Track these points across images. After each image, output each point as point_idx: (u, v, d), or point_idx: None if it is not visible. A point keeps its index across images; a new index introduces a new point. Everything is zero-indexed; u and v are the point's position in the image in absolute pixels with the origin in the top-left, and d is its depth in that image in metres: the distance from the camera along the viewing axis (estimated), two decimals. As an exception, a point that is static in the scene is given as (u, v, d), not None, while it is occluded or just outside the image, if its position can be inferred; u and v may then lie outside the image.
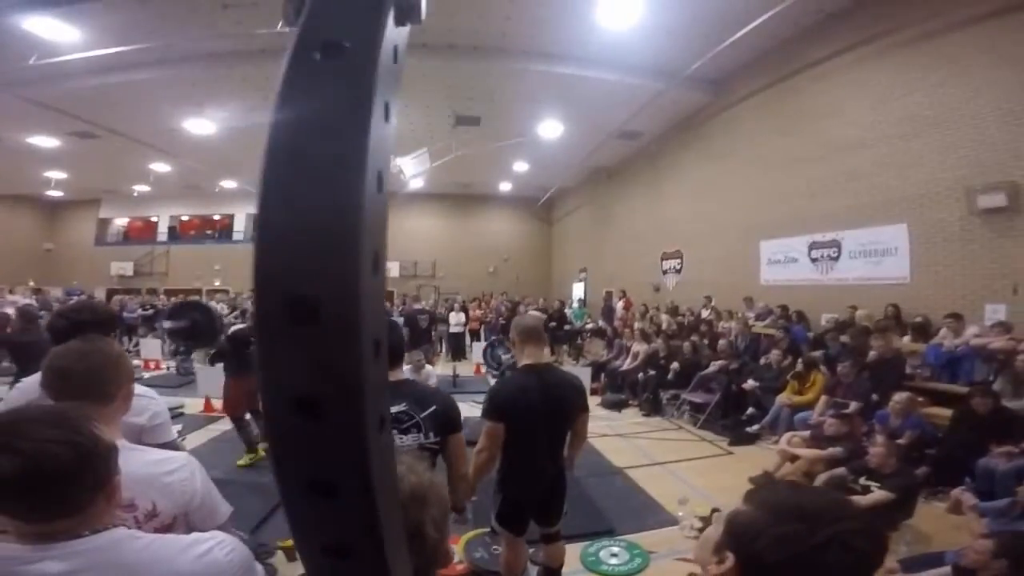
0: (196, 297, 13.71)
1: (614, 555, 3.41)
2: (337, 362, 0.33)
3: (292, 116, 0.34)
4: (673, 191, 12.65)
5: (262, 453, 5.12)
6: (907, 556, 2.82)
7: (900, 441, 4.02)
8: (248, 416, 5.14)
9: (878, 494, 3.25)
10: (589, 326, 13.08)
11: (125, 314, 12.64)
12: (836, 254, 7.91)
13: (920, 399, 4.77)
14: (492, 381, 8.50)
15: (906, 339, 6.03)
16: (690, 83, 9.38)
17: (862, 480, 3.59)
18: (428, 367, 6.79)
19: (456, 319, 12.99)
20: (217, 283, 18.96)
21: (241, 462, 5.02)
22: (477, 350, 11.57)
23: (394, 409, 1.82)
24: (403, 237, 20.45)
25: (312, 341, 0.33)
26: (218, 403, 6.93)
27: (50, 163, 14.66)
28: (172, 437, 1.77)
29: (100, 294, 16.98)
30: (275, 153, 0.34)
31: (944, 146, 6.25)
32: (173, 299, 14.98)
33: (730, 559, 0.76)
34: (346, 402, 0.34)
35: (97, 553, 0.81)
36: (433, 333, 12.93)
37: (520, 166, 15.47)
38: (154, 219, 20.56)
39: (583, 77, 9.06)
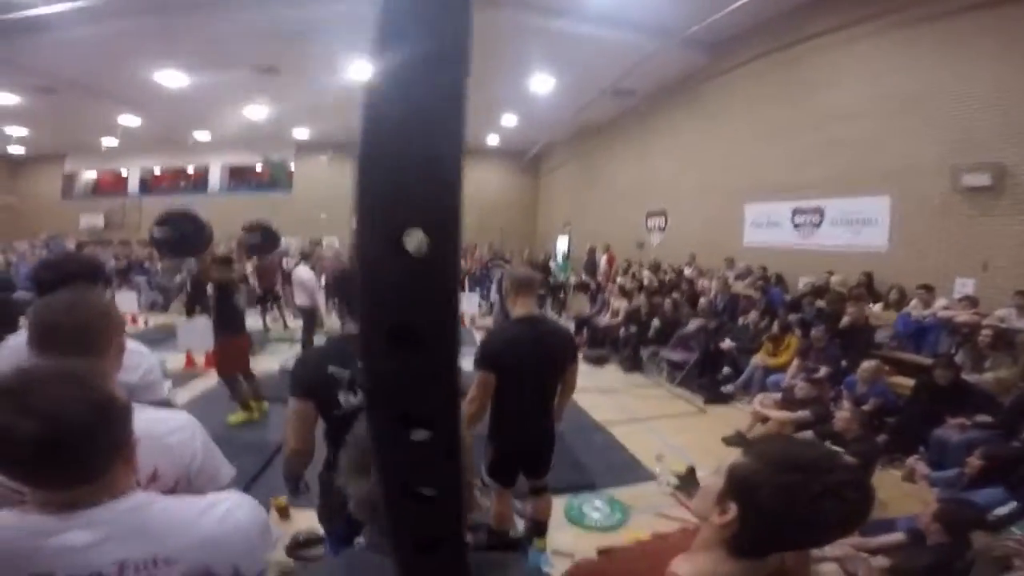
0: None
1: (596, 509, 3.61)
2: (438, 291, 0.34)
3: (398, 62, 0.32)
4: (661, 150, 12.53)
5: (255, 415, 5.11)
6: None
7: (864, 408, 4.25)
8: (240, 377, 5.05)
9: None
10: (573, 280, 13.18)
11: (99, 266, 12.32)
12: (818, 220, 8.05)
13: (886, 368, 5.00)
14: (476, 336, 8.60)
15: (877, 307, 6.27)
16: (687, 44, 9.10)
17: (827, 444, 3.83)
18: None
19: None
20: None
21: (233, 419, 4.97)
22: (463, 300, 11.61)
23: None
24: (386, 188, 20.09)
25: (416, 270, 0.33)
26: (199, 358, 6.83)
27: (10, 119, 13.84)
28: (165, 394, 1.70)
29: (70, 246, 16.44)
30: (379, 95, 0.32)
31: (933, 123, 6.31)
32: (148, 250, 14.63)
33: (733, 509, 0.81)
34: (443, 331, 0.35)
35: (122, 520, 0.78)
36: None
37: (509, 120, 15.06)
38: (124, 173, 19.71)
39: (578, 33, 8.70)
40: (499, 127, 16.25)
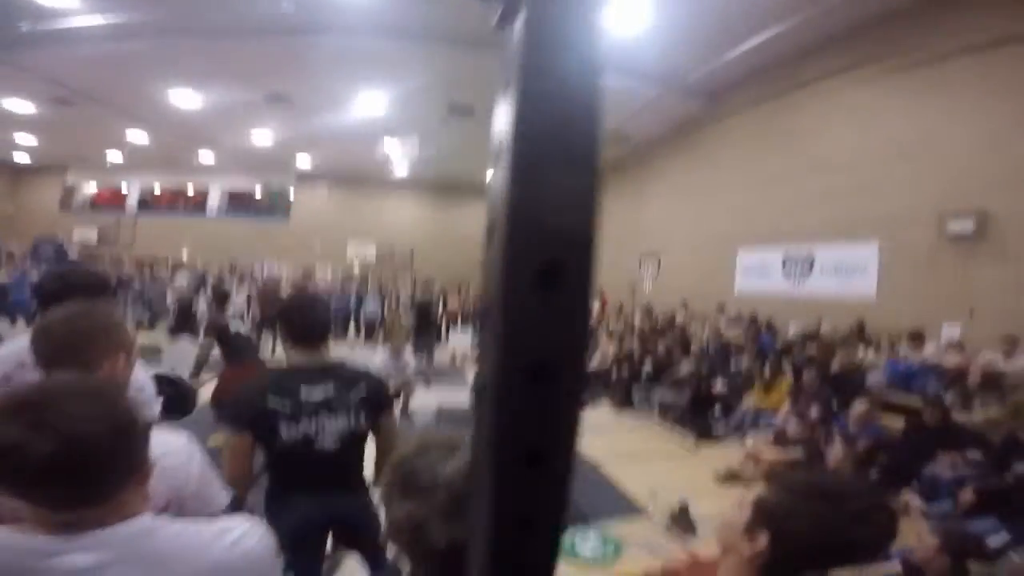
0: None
1: (589, 543, 3.53)
2: (574, 325, 0.37)
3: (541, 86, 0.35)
4: (656, 195, 12.89)
5: None
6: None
7: (857, 447, 4.24)
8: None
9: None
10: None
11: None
12: (809, 268, 8.24)
13: (877, 409, 5.02)
14: (468, 376, 8.57)
15: (869, 353, 6.35)
16: (686, 92, 9.56)
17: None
18: (405, 354, 6.73)
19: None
20: (185, 257, 18.50)
21: (214, 441, 4.89)
22: (453, 339, 11.60)
23: (322, 393, 1.77)
24: (381, 222, 20.38)
25: (557, 305, 0.35)
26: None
27: (22, 126, 14.02)
28: (156, 413, 1.67)
29: (66, 248, 16.44)
30: (527, 125, 0.35)
31: (921, 171, 6.55)
32: (138, 268, 14.64)
33: (764, 538, 0.84)
34: (575, 366, 0.37)
35: (128, 544, 0.74)
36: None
37: (508, 161, 15.50)
38: (124, 190, 19.86)
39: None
40: (498, 168, 16.67)
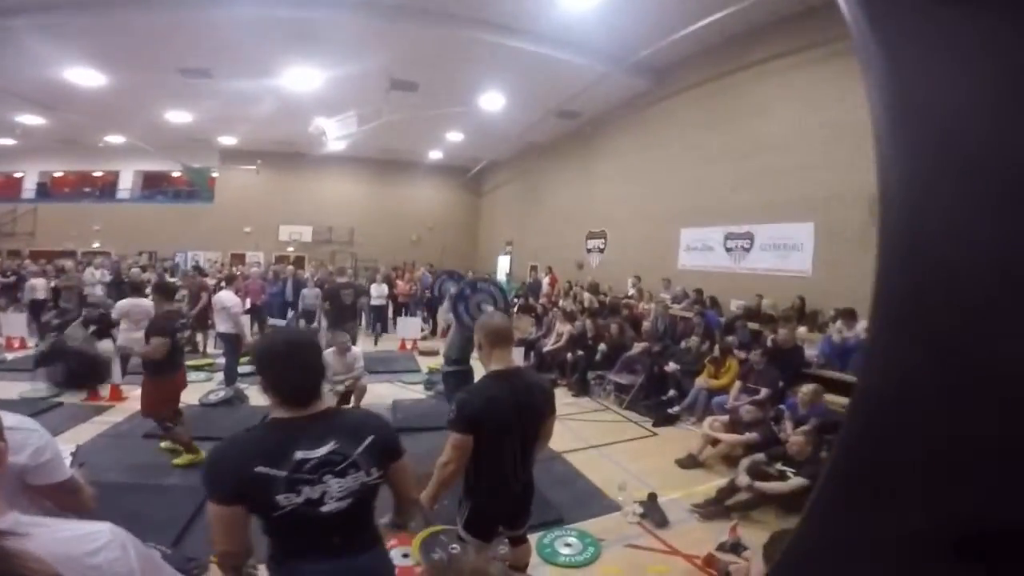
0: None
1: (568, 545, 3.55)
2: None
3: None
4: (603, 173, 12.97)
5: (201, 455, 4.56)
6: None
7: (806, 428, 4.50)
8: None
9: (796, 481, 3.68)
10: (518, 301, 13.17)
11: (-18, 282, 10.80)
12: (749, 246, 8.62)
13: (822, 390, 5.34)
14: (420, 361, 8.40)
15: (802, 329, 6.77)
16: (635, 69, 9.56)
17: (778, 466, 4.03)
18: (355, 348, 6.47)
19: (378, 291, 12.41)
20: (96, 244, 16.84)
21: (178, 461, 4.52)
22: (401, 325, 11.30)
23: (323, 451, 1.55)
24: (317, 200, 19.41)
25: None
26: (105, 390, 6.12)
27: None
28: (68, 474, 1.47)
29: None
30: None
31: (856, 154, 6.79)
32: (42, 261, 13.05)
33: None
34: None
35: None
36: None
37: (454, 136, 15.04)
38: (18, 175, 17.68)
39: (533, 53, 8.87)
40: (444, 143, 16.16)
